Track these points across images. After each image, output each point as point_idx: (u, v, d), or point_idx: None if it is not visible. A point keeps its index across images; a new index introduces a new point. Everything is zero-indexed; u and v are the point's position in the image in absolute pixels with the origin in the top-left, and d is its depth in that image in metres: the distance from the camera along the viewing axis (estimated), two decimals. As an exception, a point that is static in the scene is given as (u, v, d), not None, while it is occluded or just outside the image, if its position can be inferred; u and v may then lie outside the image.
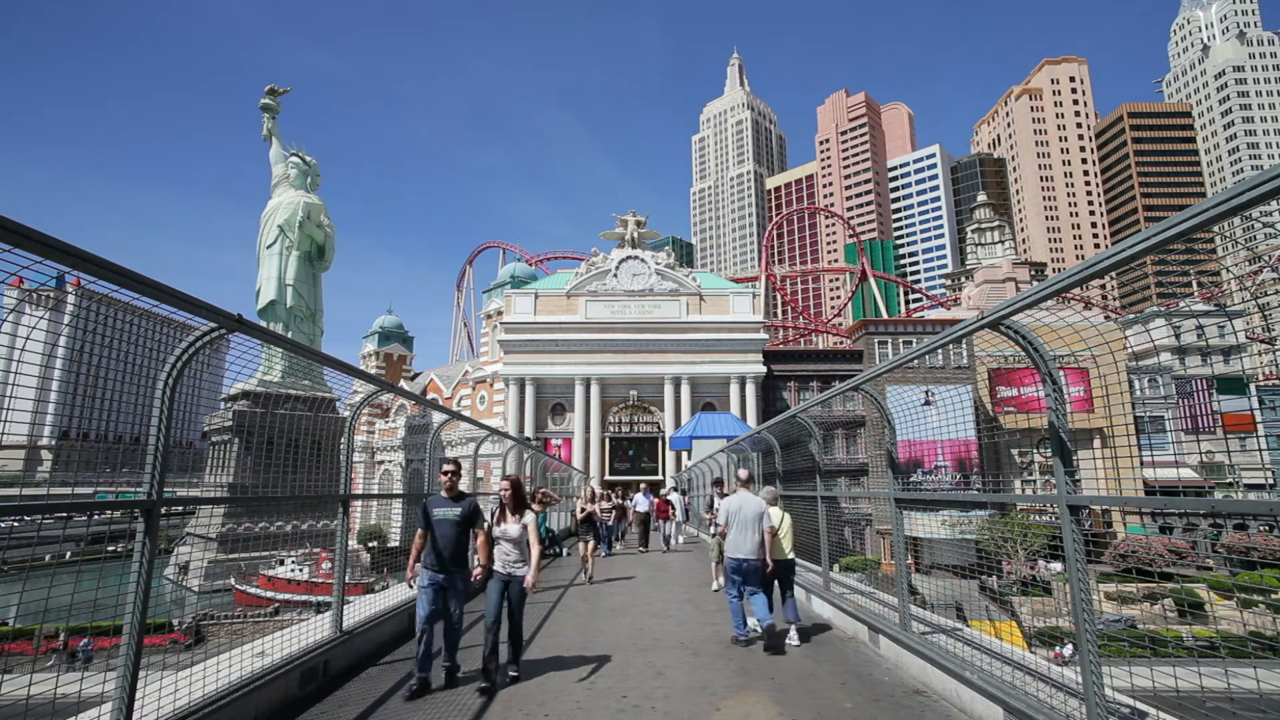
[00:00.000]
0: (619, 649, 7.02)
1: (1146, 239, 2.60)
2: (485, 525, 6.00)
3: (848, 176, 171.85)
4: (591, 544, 12.42)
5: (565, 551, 16.99)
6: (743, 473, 8.96)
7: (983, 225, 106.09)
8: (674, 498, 20.38)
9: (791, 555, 8.06)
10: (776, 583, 7.75)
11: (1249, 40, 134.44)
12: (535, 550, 6.04)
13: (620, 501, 21.78)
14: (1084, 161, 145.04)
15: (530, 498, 11.84)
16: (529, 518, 6.07)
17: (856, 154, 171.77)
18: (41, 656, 25.42)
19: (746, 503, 7.61)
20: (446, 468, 5.94)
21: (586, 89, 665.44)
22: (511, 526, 6.00)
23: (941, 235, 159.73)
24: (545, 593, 10.57)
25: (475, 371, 60.79)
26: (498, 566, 6.00)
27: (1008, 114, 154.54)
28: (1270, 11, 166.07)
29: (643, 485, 21.21)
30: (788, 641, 7.14)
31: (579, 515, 12.96)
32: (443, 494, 5.92)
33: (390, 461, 67.13)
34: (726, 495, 8.81)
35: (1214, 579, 32.62)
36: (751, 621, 7.36)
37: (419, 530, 5.81)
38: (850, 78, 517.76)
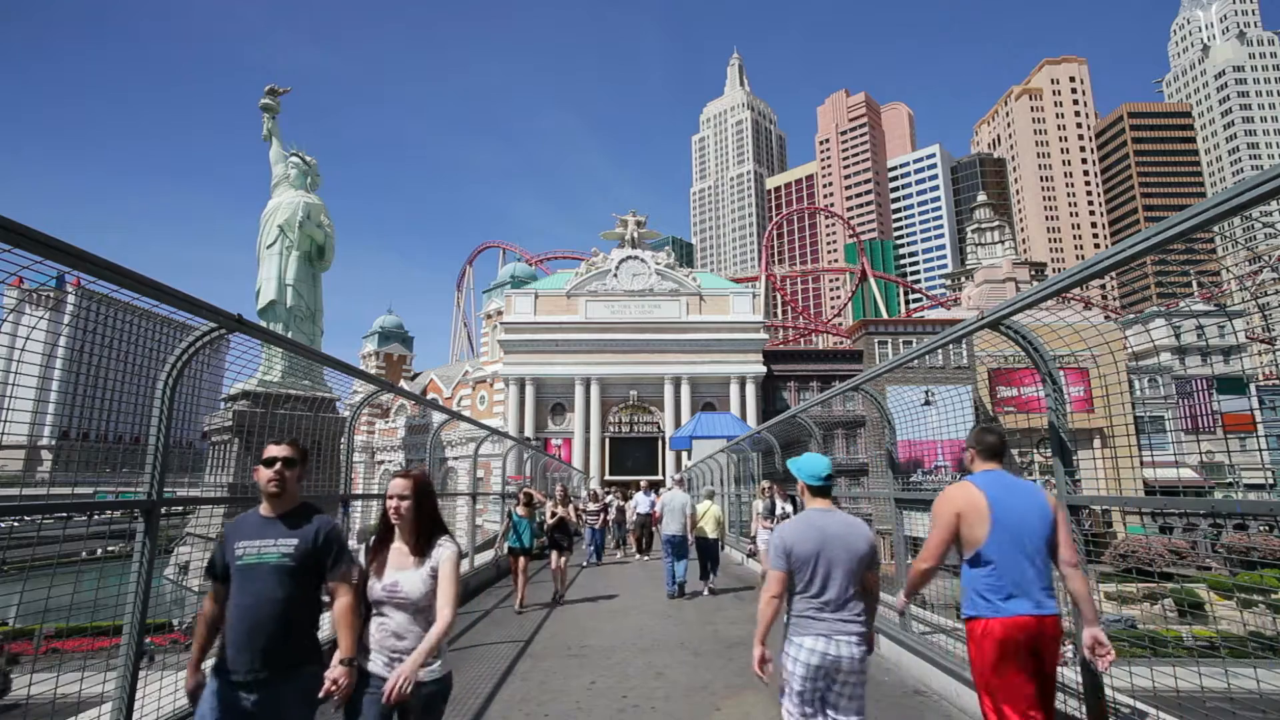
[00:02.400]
0: (619, 649, 7.02)
1: (1146, 239, 2.60)
2: (354, 572, 2.96)
3: (848, 176, 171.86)
4: (564, 556, 10.53)
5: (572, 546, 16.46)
6: (677, 475, 13.89)
7: (983, 225, 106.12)
8: (664, 498, 18.87)
9: (714, 536, 11.09)
10: (703, 555, 10.98)
11: (1249, 40, 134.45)
12: (442, 622, 2.85)
13: (618, 501, 19.73)
14: (1084, 161, 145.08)
15: (519, 499, 10.42)
16: (444, 555, 2.95)
17: (856, 154, 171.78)
18: (42, 657, 25.40)
19: (675, 497, 11.39)
20: (272, 451, 2.92)
21: (586, 89, 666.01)
22: (408, 576, 2.92)
23: (941, 235, 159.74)
24: (535, 610, 10.07)
25: (475, 371, 60.79)
26: (376, 663, 2.85)
27: (1008, 114, 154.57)
28: (1270, 11, 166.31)
29: (642, 483, 19.47)
30: (702, 594, 10.52)
31: (549, 522, 10.73)
32: (261, 510, 2.93)
33: (390, 461, 67.12)
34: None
35: (1214, 579, 32.61)
36: (679, 577, 10.56)
37: (211, 592, 2.88)
38: (850, 78, 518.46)
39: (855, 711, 3.21)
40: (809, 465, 3.49)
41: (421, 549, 2.97)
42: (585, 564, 14.96)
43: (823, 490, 3.46)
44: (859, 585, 3.26)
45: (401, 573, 2.94)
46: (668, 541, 10.89)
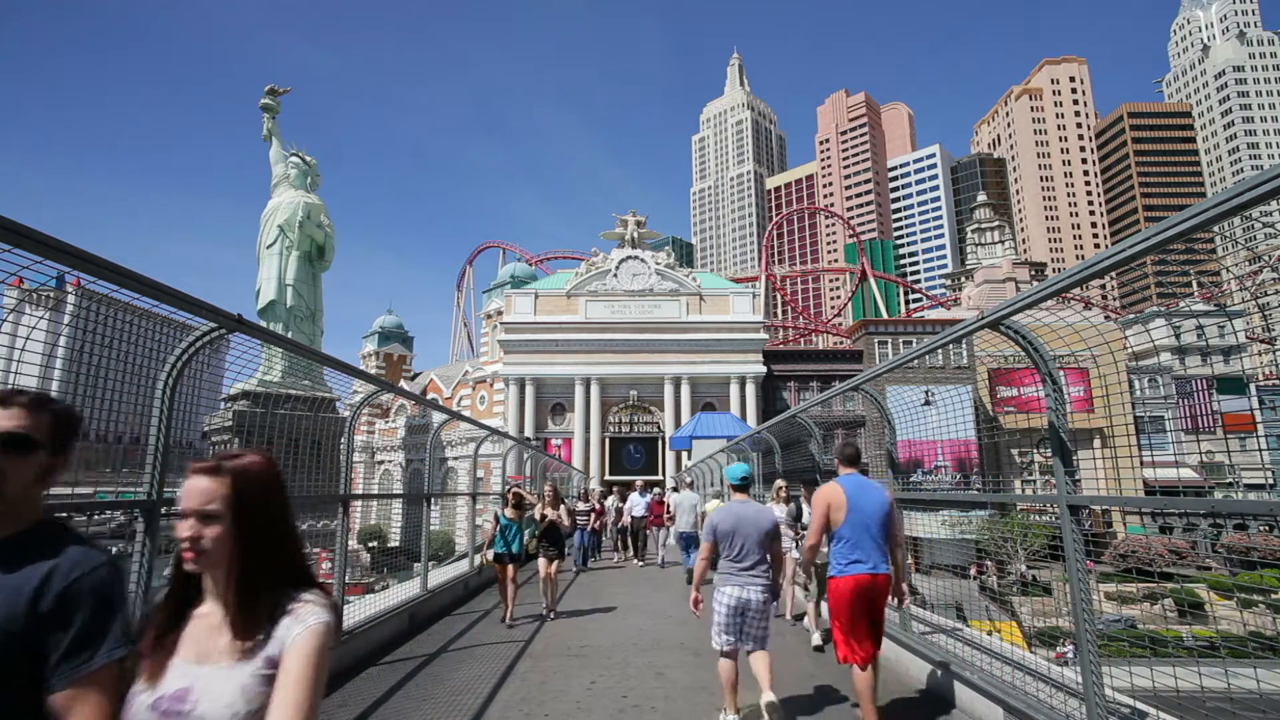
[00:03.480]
0: (619, 649, 7.02)
1: (1146, 239, 2.60)
2: (124, 668, 1.37)
3: (848, 176, 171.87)
4: (555, 563, 9.14)
5: (564, 552, 14.06)
6: (687, 478, 16.78)
7: (983, 225, 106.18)
8: (674, 499, 16.35)
9: None
10: None
11: (1249, 40, 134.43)
12: None
13: (616, 502, 17.91)
14: (1084, 161, 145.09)
15: (506, 500, 9.13)
16: (300, 638, 1.37)
17: (856, 154, 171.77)
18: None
19: (687, 497, 13.01)
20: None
21: (587, 88, 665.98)
22: (215, 678, 1.36)
23: (941, 235, 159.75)
24: (525, 624, 8.73)
25: (475, 371, 60.80)
26: None
27: (1008, 114, 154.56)
28: (1270, 11, 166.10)
29: (638, 483, 17.12)
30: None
31: (539, 526, 9.35)
32: None
33: (390, 461, 67.14)
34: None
35: (1214, 579, 32.62)
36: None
37: None
38: (850, 78, 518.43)
39: (763, 638, 4.68)
40: (732, 471, 5.21)
41: (249, 621, 1.42)
42: (576, 569, 13.70)
43: (741, 487, 5.06)
44: (765, 552, 4.73)
45: (202, 669, 1.40)
46: (680, 536, 12.48)
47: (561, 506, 9.69)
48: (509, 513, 8.92)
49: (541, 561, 9.12)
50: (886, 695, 5.32)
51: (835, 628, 4.55)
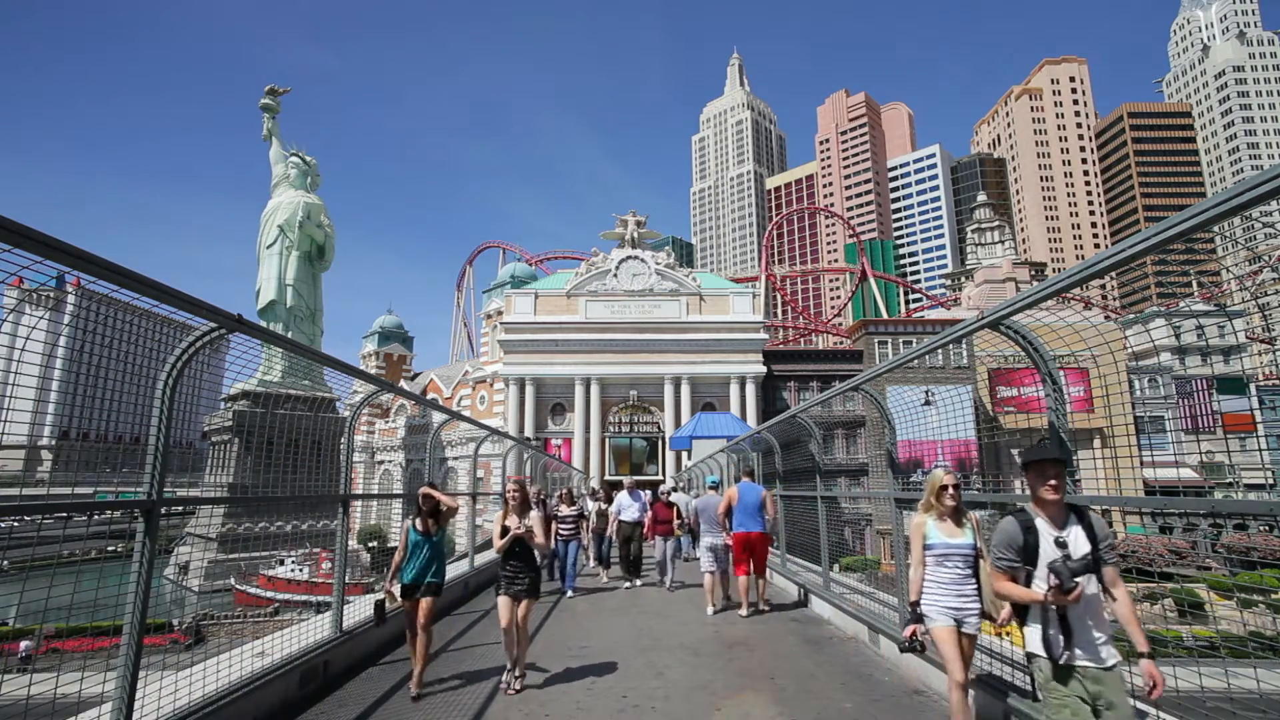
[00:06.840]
0: (619, 649, 7.02)
1: (1146, 239, 2.60)
2: None
3: (848, 176, 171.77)
4: (525, 603, 5.79)
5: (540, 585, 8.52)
6: (697, 486, 16.82)
7: (983, 225, 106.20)
8: (679, 500, 13.43)
9: None
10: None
11: (1249, 40, 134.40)
12: None
13: (599, 504, 14.37)
14: (1084, 161, 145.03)
15: (418, 506, 6.09)
16: None
17: (856, 154, 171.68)
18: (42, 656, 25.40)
19: (709, 500, 15.10)
20: None
21: (586, 89, 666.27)
22: None
23: (941, 235, 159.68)
24: (451, 690, 6.12)
25: (475, 371, 60.79)
26: None
27: (1008, 114, 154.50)
28: (1270, 11, 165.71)
29: (626, 483, 13.10)
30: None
31: (497, 539, 5.96)
32: None
33: (390, 461, 67.14)
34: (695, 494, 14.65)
35: (1214, 579, 32.59)
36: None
37: None
38: (850, 78, 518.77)
39: (724, 564, 9.48)
40: (708, 479, 11.87)
41: None
42: (565, 592, 10.83)
43: (712, 487, 10.71)
44: (719, 522, 9.52)
45: None
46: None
47: (533, 514, 6.09)
48: (420, 524, 5.94)
49: (502, 602, 5.75)
50: (885, 696, 5.33)
51: (735, 561, 9.07)
